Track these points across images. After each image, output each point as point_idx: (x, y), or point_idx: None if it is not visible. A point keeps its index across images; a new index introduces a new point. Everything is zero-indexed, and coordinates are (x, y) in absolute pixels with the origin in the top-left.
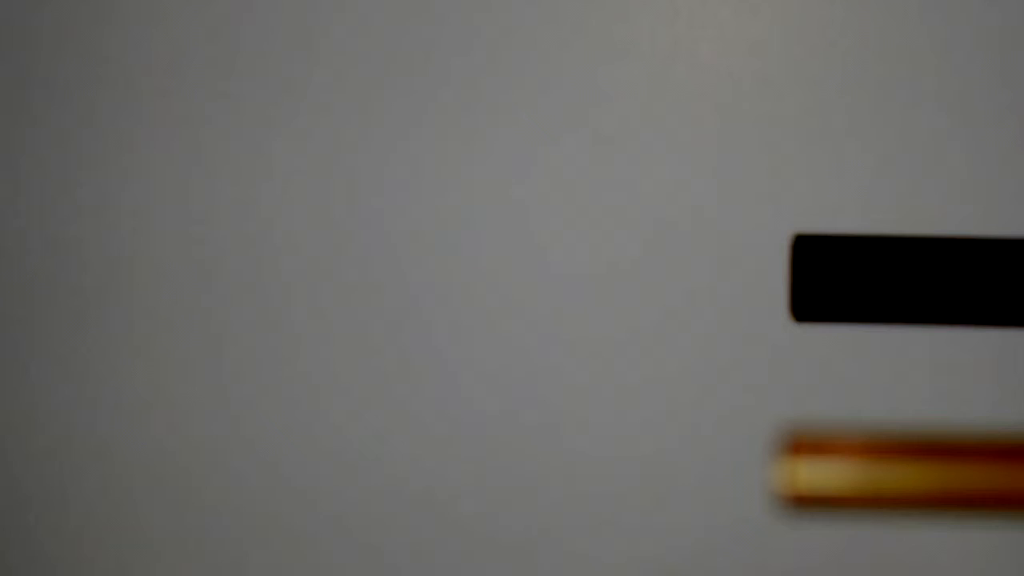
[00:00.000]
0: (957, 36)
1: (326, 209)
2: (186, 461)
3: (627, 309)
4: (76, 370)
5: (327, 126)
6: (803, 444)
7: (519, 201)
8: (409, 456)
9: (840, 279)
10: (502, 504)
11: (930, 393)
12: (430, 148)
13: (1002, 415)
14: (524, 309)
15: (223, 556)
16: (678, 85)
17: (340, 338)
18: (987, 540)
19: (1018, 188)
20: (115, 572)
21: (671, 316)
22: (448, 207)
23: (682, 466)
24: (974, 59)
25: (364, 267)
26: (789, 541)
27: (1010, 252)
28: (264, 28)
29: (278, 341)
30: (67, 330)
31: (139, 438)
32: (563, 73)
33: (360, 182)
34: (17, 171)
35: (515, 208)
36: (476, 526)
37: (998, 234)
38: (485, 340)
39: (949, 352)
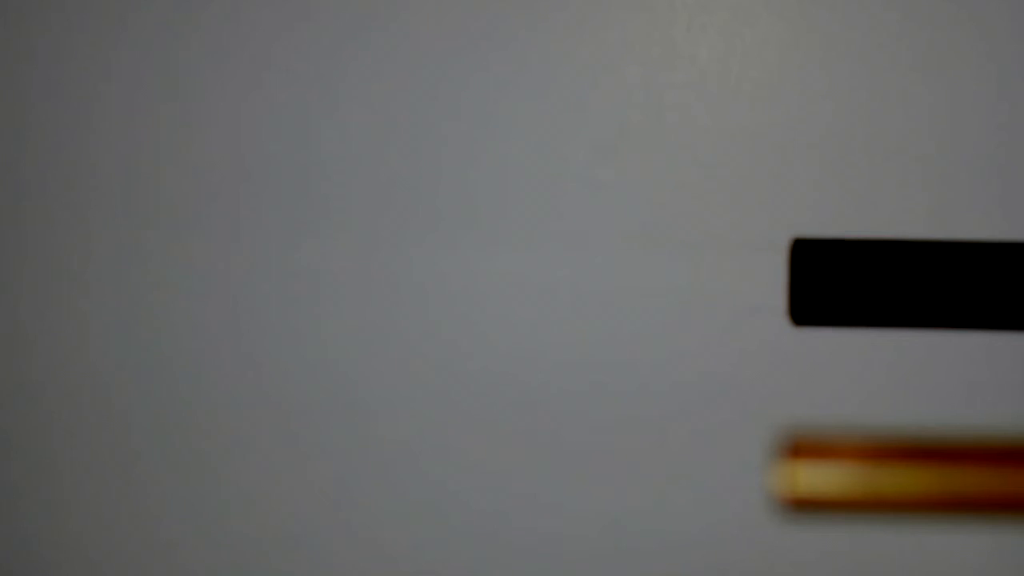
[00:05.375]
0: (955, 39)
1: (335, 201)
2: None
3: (627, 313)
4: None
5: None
6: (802, 448)
7: (519, 205)
8: (405, 455)
9: (839, 283)
10: (502, 504)
11: (928, 397)
12: (431, 147)
13: (1000, 418)
14: (523, 310)
15: (225, 551)
16: (677, 88)
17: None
18: (986, 543)
19: (1016, 192)
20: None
21: (670, 320)
22: (450, 206)
23: (682, 470)
24: (972, 62)
25: (380, 256)
26: (789, 544)
27: (1008, 256)
28: (273, 26)
29: (299, 325)
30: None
31: (144, 415)
32: (562, 77)
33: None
34: (17, 169)
35: (515, 210)
36: (477, 525)
37: (996, 238)
38: (484, 341)
39: (948, 356)
